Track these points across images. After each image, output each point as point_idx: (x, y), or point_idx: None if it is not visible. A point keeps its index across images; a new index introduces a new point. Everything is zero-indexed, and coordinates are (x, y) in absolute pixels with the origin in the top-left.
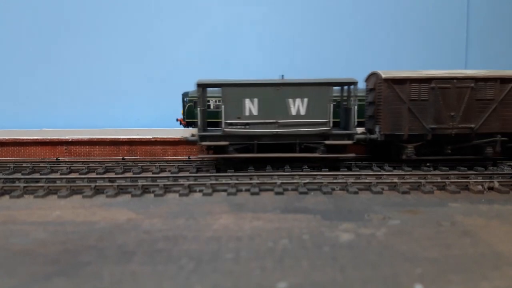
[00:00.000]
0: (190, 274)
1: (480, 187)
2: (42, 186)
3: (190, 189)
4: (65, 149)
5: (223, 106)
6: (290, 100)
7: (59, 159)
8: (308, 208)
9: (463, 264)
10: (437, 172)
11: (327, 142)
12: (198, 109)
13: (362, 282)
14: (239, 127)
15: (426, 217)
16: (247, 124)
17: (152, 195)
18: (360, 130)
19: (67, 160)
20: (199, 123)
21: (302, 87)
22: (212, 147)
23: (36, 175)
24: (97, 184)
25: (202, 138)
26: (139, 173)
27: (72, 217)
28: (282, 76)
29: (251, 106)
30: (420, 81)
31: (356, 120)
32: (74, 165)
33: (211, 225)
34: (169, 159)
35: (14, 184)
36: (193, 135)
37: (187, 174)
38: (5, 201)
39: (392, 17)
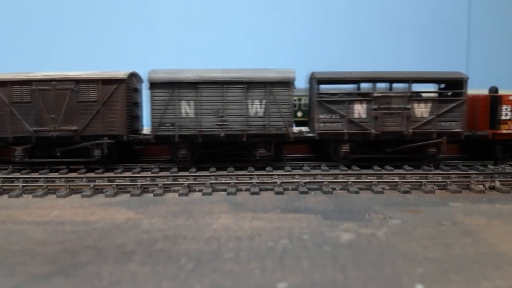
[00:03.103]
0: (189, 274)
1: (481, 186)
2: (41, 186)
3: (190, 189)
4: None
5: None
6: None
7: None
8: (309, 207)
9: (464, 264)
10: (438, 171)
11: None
12: None
13: (362, 282)
14: None
15: (427, 217)
16: None
17: (151, 194)
18: None
19: None
20: None
21: None
22: None
23: (35, 175)
24: (96, 183)
25: None
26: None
27: (71, 216)
28: None
29: None
30: (20, 83)
31: None
32: None
33: (211, 225)
34: None
35: (13, 184)
36: None
37: (186, 173)
38: (4, 201)
39: (392, 17)
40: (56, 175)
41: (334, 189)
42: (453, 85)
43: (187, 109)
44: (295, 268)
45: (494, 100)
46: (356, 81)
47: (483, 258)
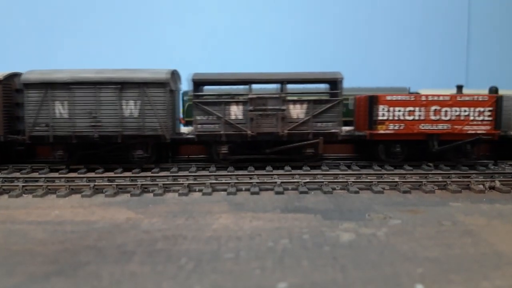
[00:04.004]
0: (189, 274)
1: (481, 186)
2: (41, 186)
3: (190, 189)
4: None
5: None
6: None
7: None
8: (309, 207)
9: (464, 264)
10: (438, 171)
11: None
12: None
13: (362, 282)
14: None
15: (427, 217)
16: None
17: (151, 194)
18: None
19: None
20: None
21: None
22: None
23: (35, 175)
24: (96, 183)
25: None
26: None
27: (71, 216)
28: None
29: None
30: None
31: None
32: None
33: (211, 225)
34: None
35: (12, 184)
36: None
37: (186, 173)
38: (4, 201)
39: (392, 17)
40: (56, 175)
41: (334, 189)
42: (333, 85)
43: (61, 109)
44: (295, 268)
45: (371, 100)
46: (231, 83)
47: (483, 258)
